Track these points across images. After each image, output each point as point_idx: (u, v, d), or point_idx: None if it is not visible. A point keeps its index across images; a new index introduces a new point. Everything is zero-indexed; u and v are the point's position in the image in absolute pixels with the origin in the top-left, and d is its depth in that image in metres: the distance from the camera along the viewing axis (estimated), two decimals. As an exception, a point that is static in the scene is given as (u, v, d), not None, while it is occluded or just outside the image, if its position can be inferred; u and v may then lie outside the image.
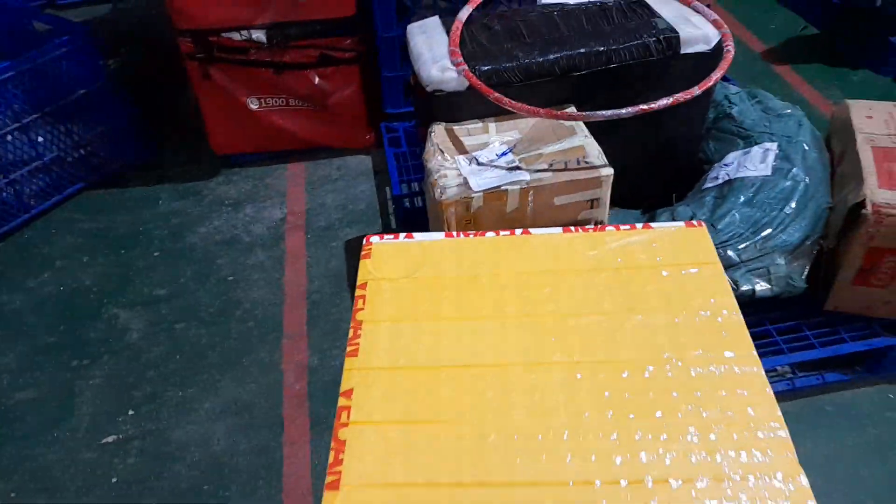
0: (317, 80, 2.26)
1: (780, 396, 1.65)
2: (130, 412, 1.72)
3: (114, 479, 1.58)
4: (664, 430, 0.82)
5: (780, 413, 0.83)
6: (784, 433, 0.81)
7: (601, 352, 0.91)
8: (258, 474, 1.58)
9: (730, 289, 0.98)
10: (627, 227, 1.09)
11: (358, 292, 1.03)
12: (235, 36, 2.12)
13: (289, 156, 2.50)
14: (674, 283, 0.99)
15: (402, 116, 2.41)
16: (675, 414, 0.84)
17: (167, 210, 2.32)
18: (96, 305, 2.00)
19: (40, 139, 2.22)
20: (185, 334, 1.91)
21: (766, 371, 1.73)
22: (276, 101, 2.31)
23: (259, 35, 2.12)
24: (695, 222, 1.09)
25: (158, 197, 2.38)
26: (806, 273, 1.61)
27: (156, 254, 2.16)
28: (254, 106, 2.31)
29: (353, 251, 2.13)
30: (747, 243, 1.60)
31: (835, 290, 1.63)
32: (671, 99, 1.40)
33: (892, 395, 1.68)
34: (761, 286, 1.59)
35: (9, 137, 2.13)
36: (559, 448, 0.81)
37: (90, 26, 2.29)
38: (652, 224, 1.09)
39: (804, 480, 0.77)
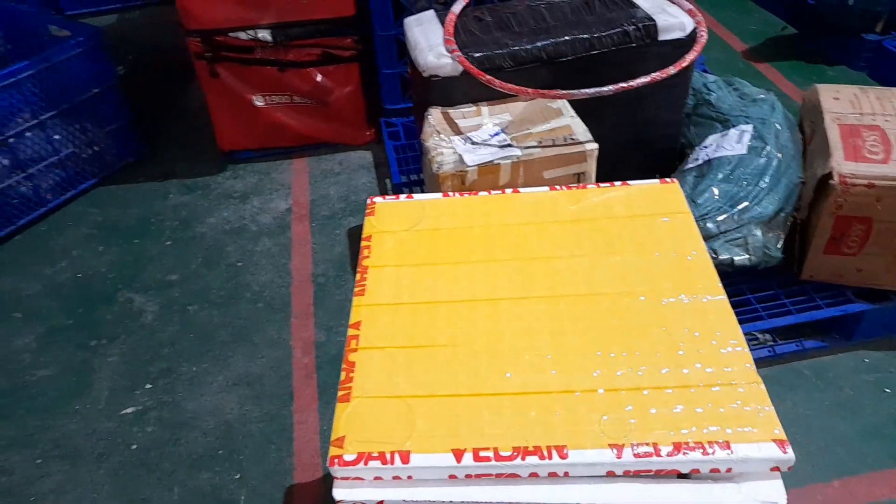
0: (319, 77, 2.38)
1: (762, 363, 1.79)
2: (147, 386, 1.81)
3: (133, 446, 1.67)
4: (637, 348, 0.92)
5: (741, 333, 0.93)
6: (742, 349, 0.91)
7: (582, 286, 1.02)
8: (270, 439, 1.67)
9: (698, 233, 1.09)
10: (607, 184, 1.20)
11: (363, 243, 1.14)
12: (242, 35, 2.25)
13: (292, 152, 2.62)
14: (647, 230, 1.10)
15: (401, 112, 2.53)
16: (647, 335, 0.94)
17: (176, 203, 2.43)
18: (111, 290, 2.10)
19: (56, 136, 2.33)
20: (197, 315, 2.01)
21: (747, 337, 1.83)
22: (280, 99, 2.43)
23: (264, 34, 2.25)
24: (668, 179, 1.20)
25: (168, 191, 2.49)
26: (781, 243, 1.71)
27: (167, 243, 2.27)
28: (259, 103, 2.43)
29: (356, 238, 2.24)
30: (725, 216, 1.71)
31: (809, 259, 1.73)
32: (649, 77, 1.51)
33: (867, 360, 1.78)
34: (740, 256, 1.69)
35: (27, 134, 2.25)
36: (544, 365, 0.92)
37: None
38: (629, 182, 1.20)
39: (761, 387, 0.87)
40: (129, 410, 1.76)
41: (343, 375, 0.93)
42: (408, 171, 2.32)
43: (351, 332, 0.99)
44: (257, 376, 1.82)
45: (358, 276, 1.08)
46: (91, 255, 2.24)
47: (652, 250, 1.06)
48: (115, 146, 2.51)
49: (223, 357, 1.88)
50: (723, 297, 0.98)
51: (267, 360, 1.87)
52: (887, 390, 1.70)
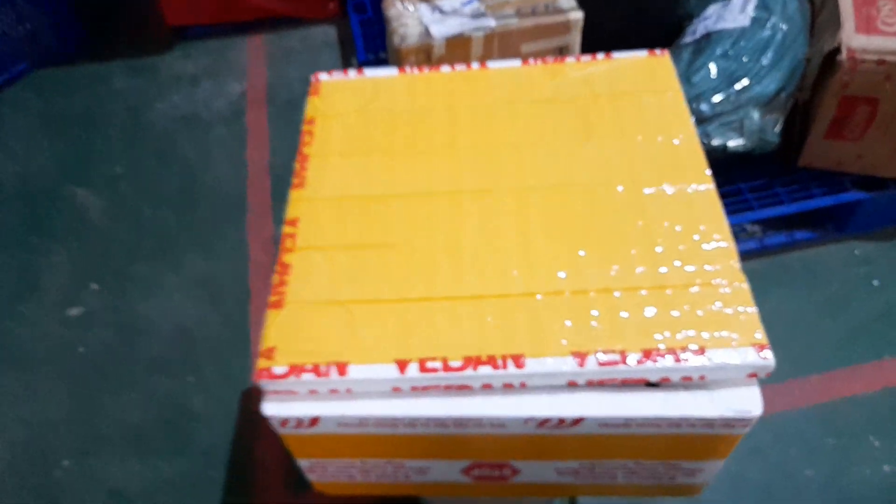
0: (272, -60, 2.10)
1: (749, 255, 1.68)
2: (95, 287, 1.70)
3: (81, 349, 1.58)
4: (611, 246, 0.81)
5: (727, 226, 0.82)
6: (727, 244, 0.80)
7: (554, 177, 0.89)
8: (227, 341, 1.59)
9: (688, 115, 0.94)
10: (589, 57, 1.04)
11: (305, 128, 0.99)
12: None
13: (248, 28, 2.36)
14: (632, 110, 0.95)
15: (367, -18, 2.27)
16: (623, 231, 0.82)
17: (122, 87, 2.21)
18: (55, 185, 1.94)
19: (-21, 11, 2.07)
20: (147, 212, 1.86)
21: (735, 228, 1.71)
22: (231, -35, 2.16)
23: None
24: (657, 51, 1.04)
25: (112, 75, 2.26)
26: (780, 127, 1.57)
27: (113, 132, 2.08)
28: (207, -29, 2.16)
29: (319, 125, 2.06)
30: (721, 96, 1.55)
31: (808, 145, 1.60)
32: (642, -69, 1.30)
33: (857, 252, 1.69)
34: (734, 140, 1.55)
35: (-57, 8, 1.99)
36: (506, 265, 0.80)
37: None
38: (614, 54, 1.03)
39: (745, 286, 0.76)
40: (77, 313, 1.65)
41: (275, 279, 0.81)
42: (375, 47, 2.10)
43: (287, 229, 0.86)
44: (213, 277, 1.71)
45: (297, 167, 0.93)
46: (32, 147, 2.05)
47: (634, 134, 0.92)
48: (52, 25, 2.24)
49: (176, 257, 1.76)
50: (710, 186, 0.86)
51: (223, 259, 1.75)
52: (875, 283, 1.63)
